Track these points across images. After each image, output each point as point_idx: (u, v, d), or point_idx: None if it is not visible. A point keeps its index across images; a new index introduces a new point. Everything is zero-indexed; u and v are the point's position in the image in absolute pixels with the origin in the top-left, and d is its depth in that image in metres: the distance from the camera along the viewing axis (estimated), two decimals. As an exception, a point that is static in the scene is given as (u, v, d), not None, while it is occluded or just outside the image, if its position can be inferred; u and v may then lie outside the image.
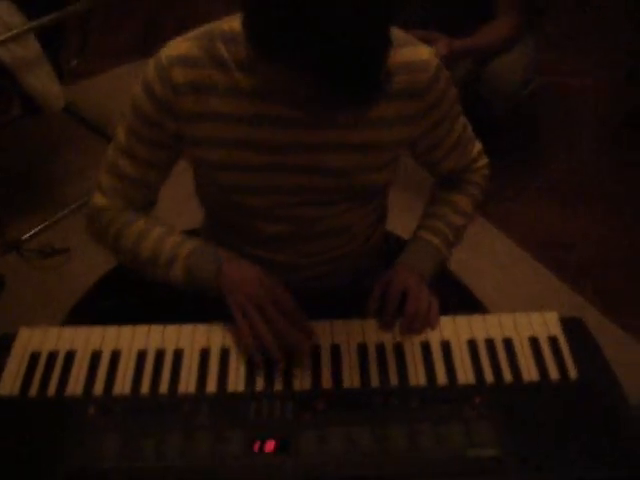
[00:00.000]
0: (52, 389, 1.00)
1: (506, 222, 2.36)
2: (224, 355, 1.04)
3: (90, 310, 1.08)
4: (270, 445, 0.91)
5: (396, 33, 1.03)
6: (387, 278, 1.14)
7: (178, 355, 1.04)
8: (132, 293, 1.26)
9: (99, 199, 1.14)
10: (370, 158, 1.08)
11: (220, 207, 1.19)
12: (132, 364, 1.03)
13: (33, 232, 2.27)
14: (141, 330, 1.07)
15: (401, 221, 1.30)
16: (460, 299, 1.32)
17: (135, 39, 3.17)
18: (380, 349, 1.05)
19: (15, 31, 1.86)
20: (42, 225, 2.29)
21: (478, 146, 1.26)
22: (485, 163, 1.28)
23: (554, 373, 1.02)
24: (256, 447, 0.91)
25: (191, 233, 1.31)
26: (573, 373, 1.02)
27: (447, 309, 1.11)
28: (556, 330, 1.09)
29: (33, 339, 1.07)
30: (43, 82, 1.96)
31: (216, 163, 1.07)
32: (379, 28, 0.81)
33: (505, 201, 2.43)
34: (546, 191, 2.49)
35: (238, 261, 1.08)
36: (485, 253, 2.25)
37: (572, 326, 1.10)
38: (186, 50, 1.01)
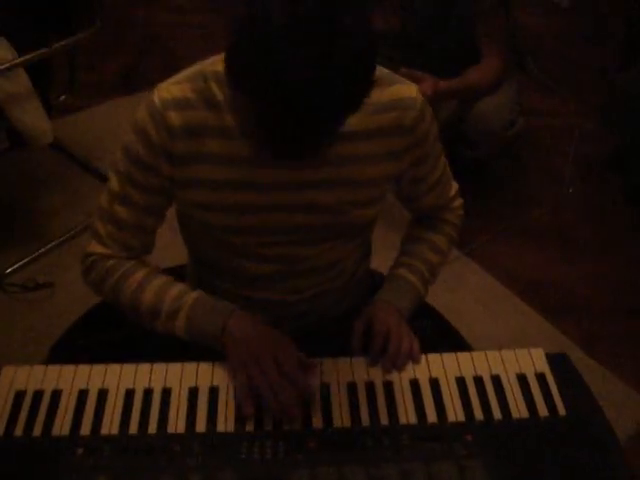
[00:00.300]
0: (38, 429, 0.98)
1: (490, 261, 2.37)
2: (213, 394, 1.03)
3: (74, 346, 1.06)
4: (262, 486, 0.90)
5: (383, 72, 1.05)
6: (367, 316, 1.14)
7: (166, 394, 1.03)
8: (117, 329, 1.24)
9: (96, 247, 1.13)
10: (359, 194, 1.10)
11: (206, 246, 1.19)
12: (120, 403, 1.01)
13: (17, 266, 2.24)
14: (128, 369, 1.06)
15: (385, 259, 1.31)
16: (444, 336, 1.32)
17: (117, 77, 3.19)
18: (370, 387, 1.05)
19: (4, 65, 1.86)
20: (26, 259, 2.27)
21: (455, 186, 1.29)
22: (460, 203, 1.30)
23: (543, 409, 1.03)
24: (248, 488, 0.90)
25: (177, 270, 1.32)
26: (561, 409, 1.03)
27: (432, 346, 1.12)
28: (543, 366, 1.09)
29: (17, 377, 1.05)
30: (32, 117, 1.96)
31: (207, 204, 1.07)
32: (334, 106, 0.82)
33: (489, 240, 2.44)
34: (529, 231, 2.51)
35: (245, 317, 1.07)
36: (469, 291, 2.26)
37: (558, 362, 1.11)
38: (180, 93, 1.02)
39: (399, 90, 1.07)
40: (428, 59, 2.16)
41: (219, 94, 1.01)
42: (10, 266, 2.24)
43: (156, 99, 1.02)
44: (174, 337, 1.09)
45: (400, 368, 1.08)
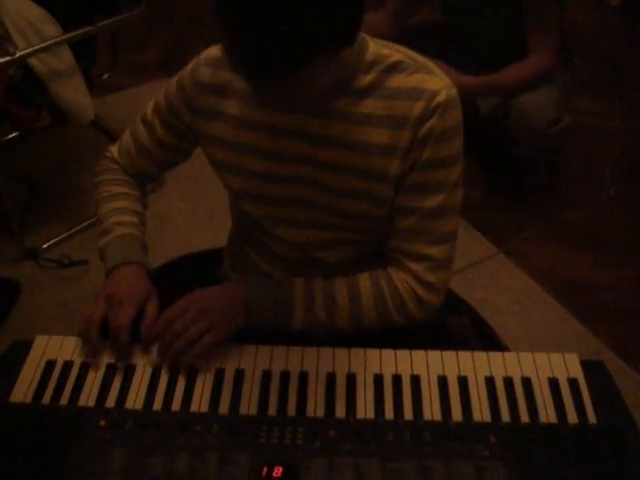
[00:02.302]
0: (65, 398, 1.00)
1: (526, 260, 2.34)
2: (238, 377, 1.03)
3: (105, 324, 1.07)
4: (278, 470, 0.90)
5: (417, 59, 1.02)
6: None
7: (192, 373, 1.03)
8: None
9: (113, 148, 1.26)
10: (362, 185, 1.04)
11: (239, 215, 1.22)
12: (146, 379, 1.02)
13: (52, 242, 2.28)
14: (155, 347, 1.06)
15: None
16: (480, 335, 1.29)
17: (159, 59, 3.22)
18: (396, 380, 1.03)
19: (50, 42, 1.89)
20: (62, 236, 2.31)
21: (431, 251, 1.05)
22: (422, 276, 1.06)
23: (572, 416, 1.00)
24: (264, 472, 0.89)
25: (214, 253, 1.33)
26: (592, 417, 1.00)
27: (467, 344, 1.09)
28: (576, 372, 1.06)
29: (50, 347, 1.07)
30: (74, 94, 1.99)
31: (224, 164, 1.11)
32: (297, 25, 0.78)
33: (526, 239, 2.41)
34: (567, 232, 2.47)
35: (133, 269, 1.12)
36: (504, 290, 2.23)
37: (593, 369, 1.07)
38: (219, 53, 1.07)
39: (422, 79, 0.99)
40: (471, 54, 2.13)
41: None
42: (46, 242, 2.28)
43: (204, 54, 1.10)
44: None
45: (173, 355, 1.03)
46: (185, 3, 3.61)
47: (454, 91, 1.01)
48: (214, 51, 1.08)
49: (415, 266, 1.06)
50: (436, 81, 1.00)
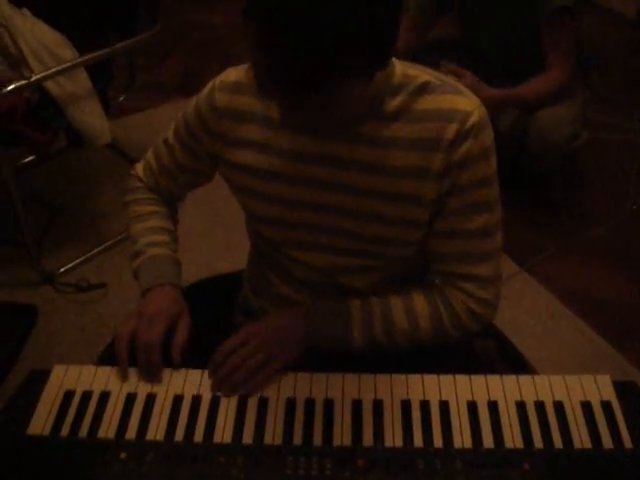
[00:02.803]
0: (84, 430, 0.97)
1: (550, 278, 2.30)
2: (262, 405, 1.01)
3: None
4: (307, 503, 0.87)
5: (444, 80, 1.00)
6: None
7: (215, 402, 1.01)
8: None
9: (138, 167, 1.27)
10: (394, 209, 1.02)
11: (259, 239, 1.20)
12: (167, 409, 1.00)
13: (70, 266, 2.28)
14: (178, 374, 1.05)
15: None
16: (507, 359, 1.26)
17: (176, 79, 3.24)
18: (424, 407, 1.01)
19: (66, 65, 1.89)
20: (79, 259, 2.30)
21: (484, 271, 1.06)
22: (479, 295, 1.07)
23: (607, 440, 0.97)
24: (293, 505, 0.87)
25: (233, 276, 1.32)
26: (627, 441, 0.97)
27: (494, 368, 1.07)
28: (609, 395, 1.03)
29: (68, 377, 1.05)
30: (91, 116, 2.00)
31: (246, 189, 1.10)
32: (326, 33, 0.77)
33: (549, 257, 2.38)
34: (591, 248, 2.44)
35: (168, 292, 1.12)
36: (528, 309, 2.20)
37: (626, 390, 1.04)
38: (235, 77, 1.07)
39: (452, 100, 0.97)
40: (487, 69, 2.13)
41: None
42: (63, 265, 2.27)
43: (218, 79, 1.09)
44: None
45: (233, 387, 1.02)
46: (200, 23, 3.64)
47: (484, 110, 0.99)
48: (230, 75, 1.07)
49: (467, 285, 1.07)
50: (467, 102, 0.98)
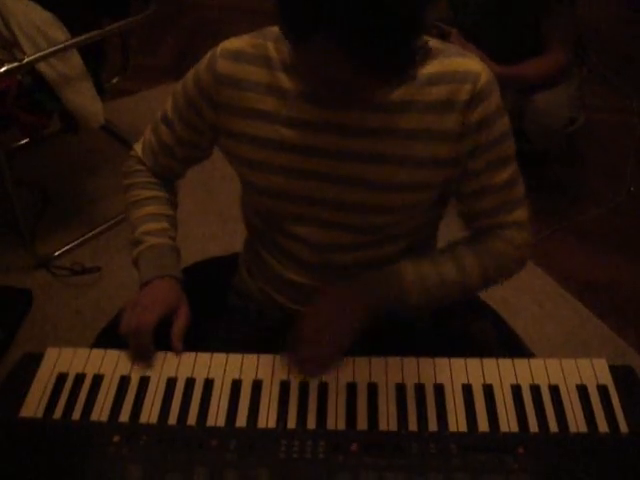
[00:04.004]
0: (77, 413, 0.97)
1: (547, 260, 2.30)
2: (256, 388, 1.00)
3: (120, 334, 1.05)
4: (301, 487, 0.87)
5: (448, 46, 1.02)
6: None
7: (208, 385, 1.00)
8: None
9: (137, 147, 1.25)
10: (405, 173, 1.03)
11: (258, 217, 1.18)
12: (161, 392, 0.99)
13: (64, 249, 2.26)
14: (171, 357, 1.05)
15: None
16: (504, 341, 1.26)
17: (170, 61, 3.21)
18: (419, 390, 1.00)
19: (58, 46, 1.87)
20: (74, 243, 2.29)
21: (518, 216, 1.12)
22: (520, 239, 1.12)
23: (603, 425, 0.97)
24: (286, 488, 0.87)
25: (229, 258, 1.31)
26: (623, 425, 0.96)
27: (491, 351, 1.06)
28: (606, 379, 1.03)
29: (61, 360, 1.05)
30: (84, 99, 1.97)
31: (250, 161, 1.08)
32: (411, 9, 0.79)
33: (546, 239, 2.38)
34: (588, 230, 2.44)
35: (168, 282, 1.11)
36: (525, 291, 2.20)
37: (622, 375, 1.04)
38: (238, 45, 1.05)
39: (460, 62, 0.99)
40: (492, 53, 2.11)
41: (273, 51, 1.03)
42: (58, 249, 2.26)
43: (219, 47, 1.07)
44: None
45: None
46: (195, 4, 3.61)
47: (489, 69, 1.01)
48: (233, 43, 1.06)
49: (507, 232, 1.12)
50: (474, 63, 1.00)
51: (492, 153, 1.05)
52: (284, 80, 1.02)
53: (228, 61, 1.05)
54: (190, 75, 1.11)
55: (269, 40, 1.04)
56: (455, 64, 0.99)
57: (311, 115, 1.01)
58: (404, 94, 0.99)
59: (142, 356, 1.04)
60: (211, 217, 2.41)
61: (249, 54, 1.04)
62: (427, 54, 1.00)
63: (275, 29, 1.03)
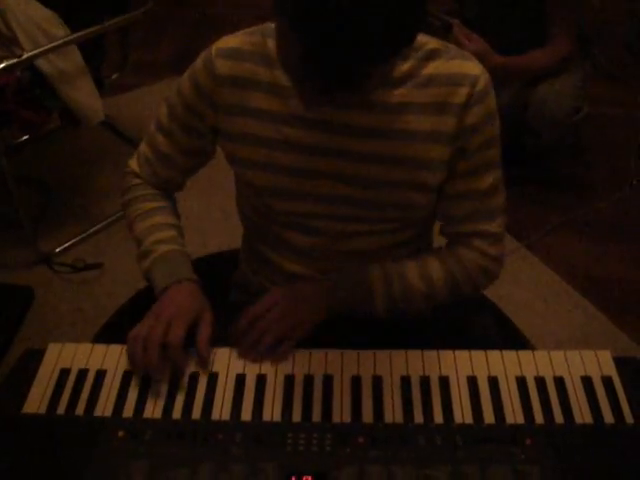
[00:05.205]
0: (81, 408, 0.97)
1: (550, 254, 2.29)
2: (260, 382, 1.00)
3: (122, 329, 1.04)
4: (307, 480, 0.87)
5: (448, 47, 1.01)
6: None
7: (212, 379, 1.00)
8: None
9: (132, 163, 1.20)
10: (407, 174, 1.03)
11: (252, 211, 1.17)
12: (164, 387, 0.99)
13: (66, 245, 2.26)
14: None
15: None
16: (505, 335, 1.26)
17: (171, 57, 3.20)
18: (424, 383, 1.00)
19: (57, 42, 1.86)
20: (75, 239, 2.29)
21: (493, 227, 1.10)
22: (490, 251, 1.11)
23: (608, 416, 0.96)
24: (292, 481, 0.87)
25: (230, 254, 1.30)
26: (628, 416, 0.96)
27: (493, 344, 1.06)
28: (610, 370, 1.03)
29: (63, 355, 1.04)
30: (83, 95, 1.97)
31: (250, 161, 1.07)
32: (384, 19, 0.75)
33: (549, 233, 2.37)
34: (592, 224, 2.43)
35: (187, 288, 1.07)
36: (527, 285, 2.19)
37: (626, 366, 1.04)
38: (235, 44, 1.04)
39: (459, 65, 1.00)
40: (496, 43, 2.10)
41: (273, 49, 0.99)
42: (59, 246, 2.26)
43: (214, 47, 1.05)
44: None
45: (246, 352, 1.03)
46: (195, 1, 3.60)
47: (488, 74, 1.02)
48: (227, 42, 1.04)
49: (479, 243, 1.11)
50: (474, 67, 1.00)
51: (480, 156, 1.04)
52: (284, 78, 1.00)
53: (226, 61, 1.03)
54: (185, 80, 1.08)
55: (268, 37, 1.02)
56: (455, 66, 0.99)
57: (310, 113, 1.00)
58: (404, 95, 0.99)
59: (157, 372, 1.00)
60: (212, 212, 2.40)
61: (247, 52, 1.03)
62: (427, 56, 0.99)
63: (270, 25, 1.01)
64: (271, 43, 1.00)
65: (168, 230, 1.15)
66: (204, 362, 1.01)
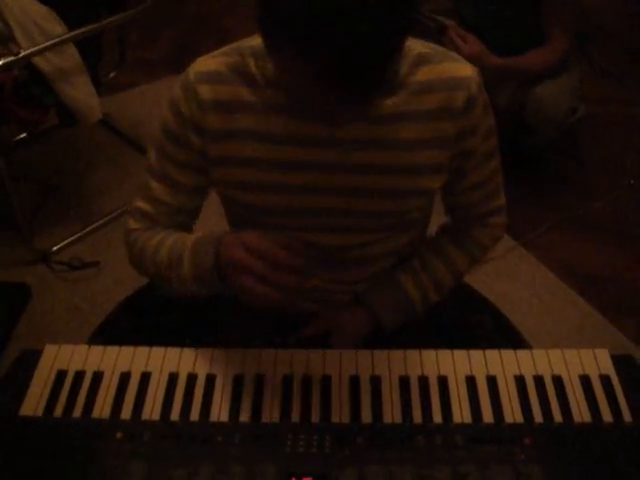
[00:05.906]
0: (78, 410, 0.96)
1: (547, 253, 2.29)
2: (258, 383, 1.00)
3: (119, 328, 1.04)
4: (307, 481, 0.87)
5: (436, 49, 1.00)
6: (329, 323, 1.16)
7: (210, 380, 1.00)
8: (163, 312, 1.22)
9: (131, 223, 1.11)
10: (407, 182, 1.03)
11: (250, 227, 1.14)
12: (162, 388, 0.99)
13: (63, 244, 2.25)
14: (172, 352, 1.04)
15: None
16: (502, 334, 1.26)
17: (168, 55, 3.19)
18: (423, 382, 1.00)
19: (54, 40, 1.86)
20: (72, 237, 2.28)
21: (501, 201, 1.17)
22: (501, 222, 1.19)
23: (607, 414, 0.97)
24: (292, 483, 0.87)
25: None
26: (627, 415, 0.96)
27: (490, 343, 1.06)
28: (608, 369, 1.03)
29: (60, 357, 1.04)
30: (81, 93, 1.96)
31: (244, 183, 1.03)
32: (393, 28, 0.75)
33: (546, 232, 2.37)
34: (588, 223, 2.43)
35: (234, 237, 0.92)
36: (524, 284, 2.19)
37: (624, 364, 1.04)
38: (214, 67, 0.99)
39: (451, 68, 0.98)
40: (494, 43, 2.10)
41: (254, 68, 0.98)
42: (56, 244, 2.25)
43: (191, 72, 0.99)
44: (188, 290, 1.01)
45: None
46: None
47: (477, 70, 1.01)
48: (204, 66, 0.99)
49: (492, 219, 1.17)
50: (464, 68, 0.99)
51: (482, 151, 1.06)
52: (270, 96, 0.97)
53: (208, 85, 0.98)
54: (166, 113, 1.02)
55: (248, 57, 0.98)
56: (446, 71, 0.98)
57: (302, 130, 0.98)
58: (396, 104, 0.97)
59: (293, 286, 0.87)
60: (214, 207, 2.40)
61: (227, 74, 0.98)
62: (416, 62, 0.97)
63: (250, 44, 0.98)
64: (252, 63, 0.98)
65: (186, 236, 1.04)
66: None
